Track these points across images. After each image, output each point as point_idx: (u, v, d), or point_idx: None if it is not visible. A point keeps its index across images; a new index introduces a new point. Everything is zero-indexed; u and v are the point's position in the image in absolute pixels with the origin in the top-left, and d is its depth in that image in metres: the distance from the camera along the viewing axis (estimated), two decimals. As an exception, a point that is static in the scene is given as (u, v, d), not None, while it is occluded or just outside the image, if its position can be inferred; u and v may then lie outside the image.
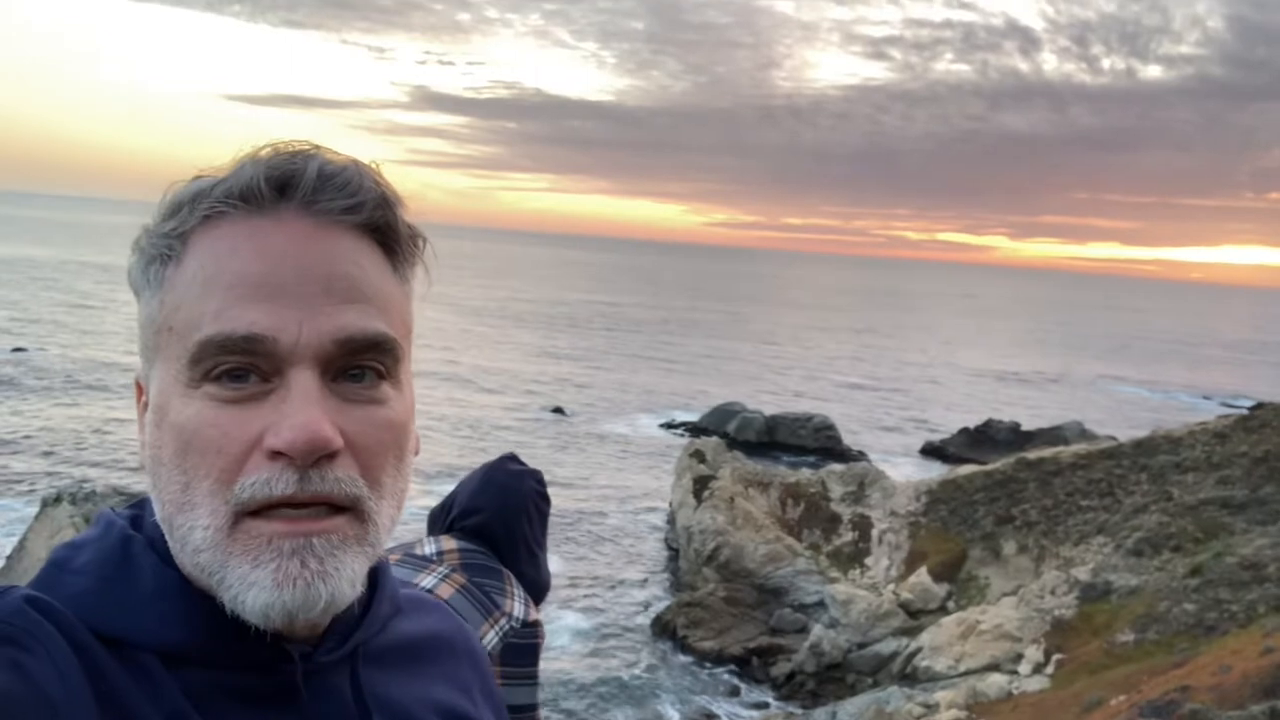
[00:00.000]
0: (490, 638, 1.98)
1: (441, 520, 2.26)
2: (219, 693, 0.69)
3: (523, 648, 2.04)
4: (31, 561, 20.01)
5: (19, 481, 27.08)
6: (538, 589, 2.22)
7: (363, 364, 0.70)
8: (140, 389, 0.75)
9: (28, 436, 31.15)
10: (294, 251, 0.69)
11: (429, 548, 2.13)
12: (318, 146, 0.73)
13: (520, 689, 2.02)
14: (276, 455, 0.66)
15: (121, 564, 0.71)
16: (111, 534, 0.73)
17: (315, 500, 0.67)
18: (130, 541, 0.72)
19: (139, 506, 0.76)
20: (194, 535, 0.67)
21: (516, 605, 2.08)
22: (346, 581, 0.68)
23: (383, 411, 0.71)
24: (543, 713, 2.14)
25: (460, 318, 71.24)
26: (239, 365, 0.67)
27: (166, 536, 0.70)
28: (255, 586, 0.66)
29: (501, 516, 2.22)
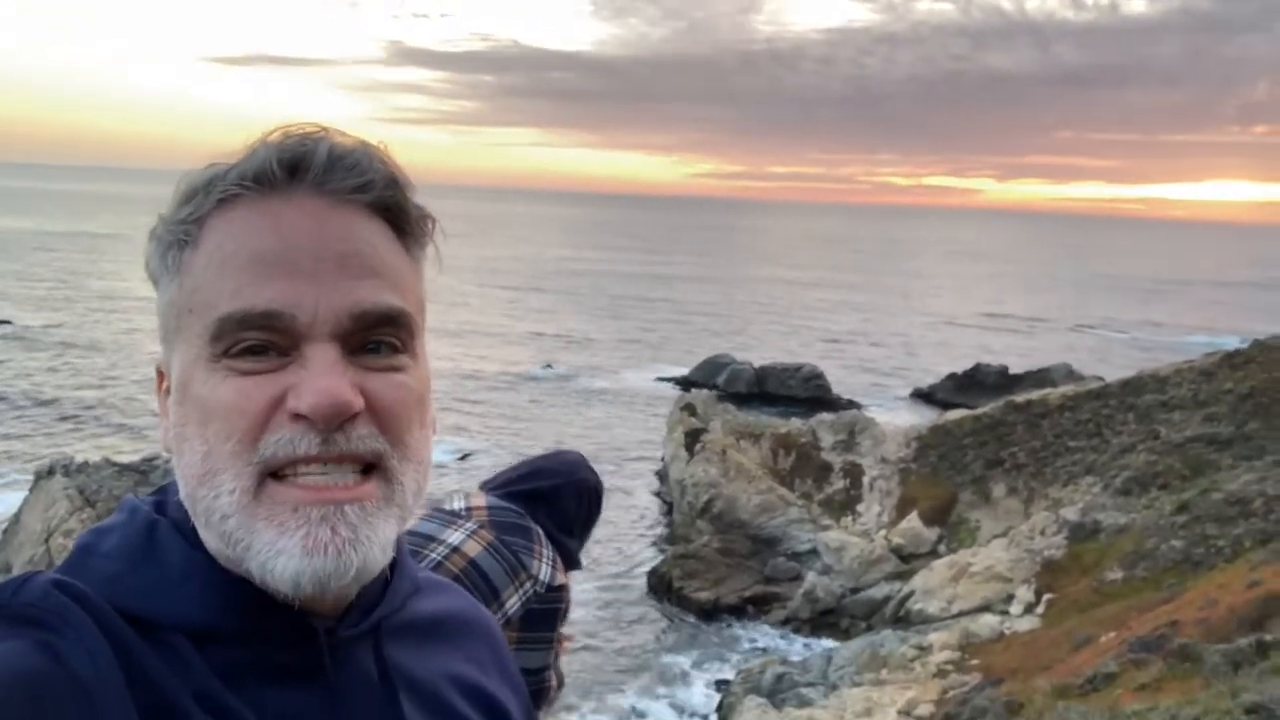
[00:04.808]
0: (513, 602, 1.94)
1: (490, 481, 2.19)
2: (247, 669, 0.70)
3: (544, 613, 1.99)
4: (26, 535, 20.04)
5: (10, 451, 27.02)
6: (571, 558, 2.15)
7: (378, 337, 0.71)
8: (161, 375, 0.76)
9: (17, 408, 31.05)
10: (307, 229, 0.70)
11: (458, 503, 2.07)
12: (326, 129, 0.74)
13: (535, 653, 1.99)
14: (299, 418, 0.67)
15: (148, 547, 0.72)
16: (137, 518, 0.74)
17: (340, 458, 0.68)
18: (155, 525, 0.73)
19: (162, 493, 0.77)
20: (219, 502, 0.68)
21: (543, 567, 2.01)
22: (378, 548, 0.69)
23: (400, 377, 0.72)
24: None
25: (446, 276, 70.71)
26: (258, 341, 0.68)
27: (190, 513, 0.71)
28: (284, 554, 0.66)
29: (578, 496, 2.20)
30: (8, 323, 43.84)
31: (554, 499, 2.15)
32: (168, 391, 0.74)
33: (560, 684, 2.11)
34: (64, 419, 30.17)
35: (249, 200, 0.71)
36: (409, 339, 0.74)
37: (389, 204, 0.74)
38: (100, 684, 0.61)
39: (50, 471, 21.14)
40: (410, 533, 1.90)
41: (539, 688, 2.00)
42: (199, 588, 0.70)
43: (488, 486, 2.19)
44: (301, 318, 0.68)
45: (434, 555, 1.91)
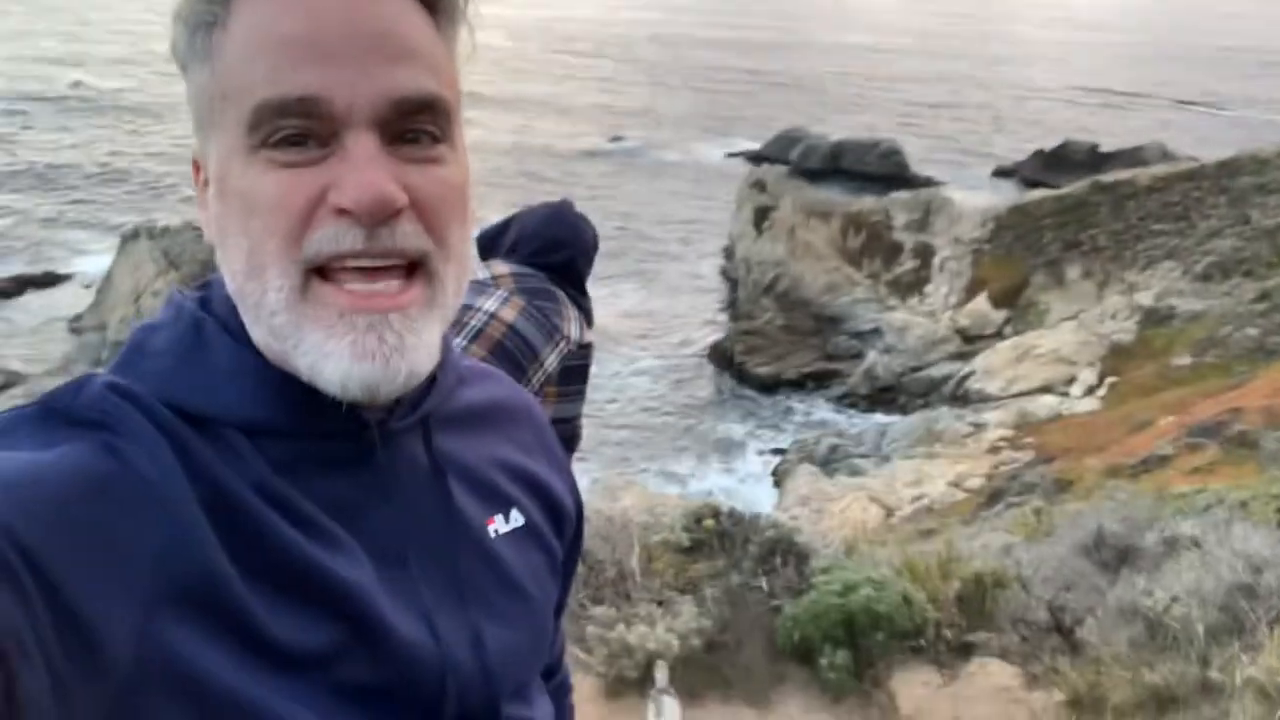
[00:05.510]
0: (551, 360, 2.09)
1: (497, 247, 2.28)
2: (300, 460, 0.71)
3: (577, 369, 2.18)
4: (118, 296, 21.06)
5: (93, 216, 27.95)
6: (590, 316, 2.31)
7: (417, 126, 0.68)
8: (197, 166, 0.74)
9: (94, 176, 31.80)
10: (339, 7, 0.67)
11: (481, 272, 2.17)
12: None
13: (569, 404, 2.19)
14: (342, 213, 0.66)
15: (196, 344, 0.72)
16: (183, 316, 0.74)
17: (386, 254, 0.67)
18: (202, 323, 0.73)
19: (206, 288, 0.77)
20: (267, 298, 0.68)
21: (573, 327, 2.16)
22: (424, 353, 0.69)
23: (441, 171, 0.70)
24: (585, 426, 2.34)
25: (508, 40, 68.64)
26: (296, 130, 0.66)
27: (239, 308, 0.71)
28: (332, 357, 0.67)
29: (587, 257, 2.29)
30: (78, 83, 44.08)
31: (571, 265, 2.26)
32: (206, 183, 0.72)
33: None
34: (144, 186, 30.87)
35: None
36: (448, 127, 0.70)
37: None
38: (164, 481, 0.64)
39: (135, 235, 21.92)
40: None
41: (571, 434, 2.24)
42: (249, 384, 0.71)
43: (497, 248, 2.25)
44: (339, 102, 0.65)
45: (474, 323, 2.05)
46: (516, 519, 0.86)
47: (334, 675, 0.68)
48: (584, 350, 2.19)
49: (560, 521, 0.93)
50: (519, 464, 0.90)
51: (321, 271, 0.68)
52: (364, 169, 0.66)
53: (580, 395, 2.23)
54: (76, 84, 44.18)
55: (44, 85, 43.96)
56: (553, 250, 2.23)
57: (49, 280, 24.19)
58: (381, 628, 0.70)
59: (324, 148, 0.67)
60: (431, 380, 0.80)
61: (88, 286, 22.97)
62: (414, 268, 0.70)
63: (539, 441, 0.95)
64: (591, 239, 2.33)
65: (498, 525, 0.84)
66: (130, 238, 21.91)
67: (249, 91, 0.66)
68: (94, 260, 24.26)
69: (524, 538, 0.86)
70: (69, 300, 22.81)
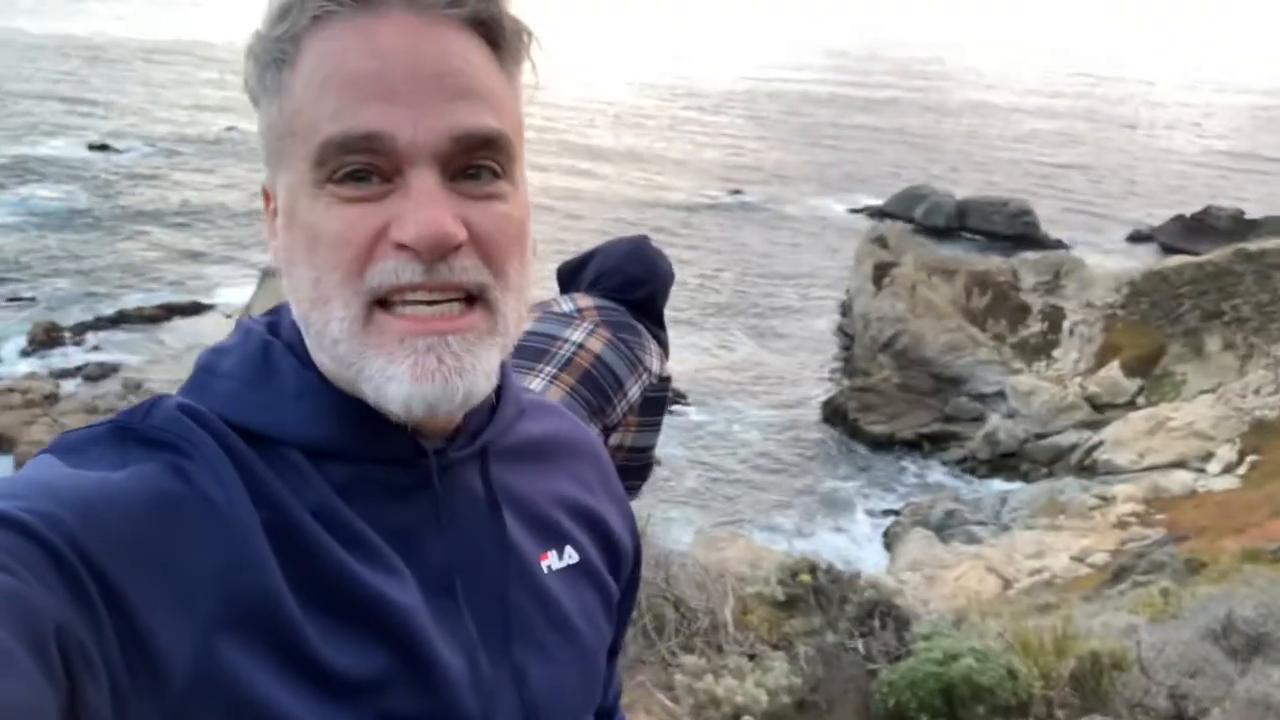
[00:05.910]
0: (634, 391, 2.19)
1: (577, 280, 2.37)
2: (360, 485, 0.73)
3: (656, 400, 2.28)
4: (254, 326, 22.20)
5: (237, 252, 29.58)
6: (667, 349, 2.39)
7: (478, 163, 0.71)
8: (267, 196, 0.77)
9: (243, 210, 33.73)
10: (403, 48, 0.69)
11: (566, 305, 2.27)
12: None
13: (647, 433, 2.30)
14: (402, 248, 0.68)
15: (263, 367, 0.75)
16: (251, 340, 0.77)
17: (444, 287, 0.69)
18: (270, 346, 0.76)
19: (275, 314, 0.80)
20: (330, 328, 0.70)
21: (654, 361, 2.25)
22: (482, 375, 0.71)
23: (502, 206, 0.72)
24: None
25: (629, 95, 70.14)
26: (360, 166, 0.68)
27: (304, 334, 0.73)
28: (394, 380, 0.69)
29: (665, 293, 2.39)
30: (231, 128, 46.93)
31: (652, 302, 2.36)
32: (275, 213, 0.75)
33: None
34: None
35: (343, 17, 0.69)
36: (509, 164, 0.72)
37: (484, 18, 0.72)
38: (228, 504, 0.66)
39: (274, 271, 23.12)
40: (534, 332, 2.20)
41: (646, 463, 2.35)
42: (313, 406, 0.73)
43: (578, 281, 2.32)
44: (401, 138, 0.67)
45: (564, 353, 2.15)
46: (571, 556, 0.86)
47: (380, 704, 0.69)
48: (664, 382, 2.28)
49: (617, 560, 0.92)
50: (577, 500, 0.89)
51: (383, 302, 0.69)
52: (424, 205, 0.67)
53: (657, 427, 2.31)
54: (230, 129, 47.05)
55: (201, 129, 47.07)
56: (634, 287, 2.32)
57: (194, 309, 25.67)
58: (429, 656, 0.71)
59: (387, 183, 0.68)
60: (491, 411, 0.81)
61: (229, 316, 24.28)
62: (474, 298, 0.71)
63: (600, 478, 0.94)
64: (668, 275, 2.41)
65: (551, 561, 0.84)
66: (270, 273, 23.10)
67: (315, 128, 0.68)
68: (236, 292, 25.64)
69: (578, 575, 0.86)
70: (211, 328, 24.12)
